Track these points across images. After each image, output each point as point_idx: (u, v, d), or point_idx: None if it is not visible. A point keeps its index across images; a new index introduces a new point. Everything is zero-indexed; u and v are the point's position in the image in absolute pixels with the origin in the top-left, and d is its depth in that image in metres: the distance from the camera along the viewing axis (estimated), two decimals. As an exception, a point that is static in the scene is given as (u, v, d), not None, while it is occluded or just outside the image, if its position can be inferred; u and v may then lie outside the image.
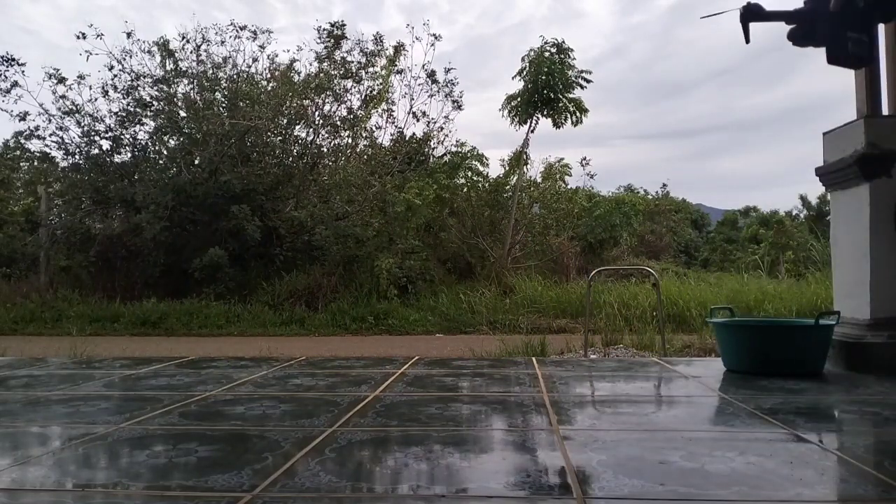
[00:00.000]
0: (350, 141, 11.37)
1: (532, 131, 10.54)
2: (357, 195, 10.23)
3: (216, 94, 10.97)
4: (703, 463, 1.16)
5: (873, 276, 2.22)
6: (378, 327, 8.17)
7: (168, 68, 10.96)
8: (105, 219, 10.68)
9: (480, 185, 11.30)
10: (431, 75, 11.06)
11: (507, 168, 11.20)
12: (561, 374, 2.12)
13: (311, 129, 11.18)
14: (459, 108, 11.20)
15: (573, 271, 10.75)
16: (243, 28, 11.07)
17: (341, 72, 10.95)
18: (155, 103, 10.80)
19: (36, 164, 11.51)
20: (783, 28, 1.59)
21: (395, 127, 11.45)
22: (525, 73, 10.14)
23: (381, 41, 11.11)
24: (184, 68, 11.01)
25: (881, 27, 2.37)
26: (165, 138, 11.13)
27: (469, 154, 11.31)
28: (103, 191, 10.42)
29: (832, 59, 1.04)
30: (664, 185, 19.32)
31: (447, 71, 11.23)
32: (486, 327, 8.04)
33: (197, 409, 1.61)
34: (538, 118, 10.35)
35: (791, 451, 1.21)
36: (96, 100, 10.77)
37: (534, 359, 2.69)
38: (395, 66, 11.23)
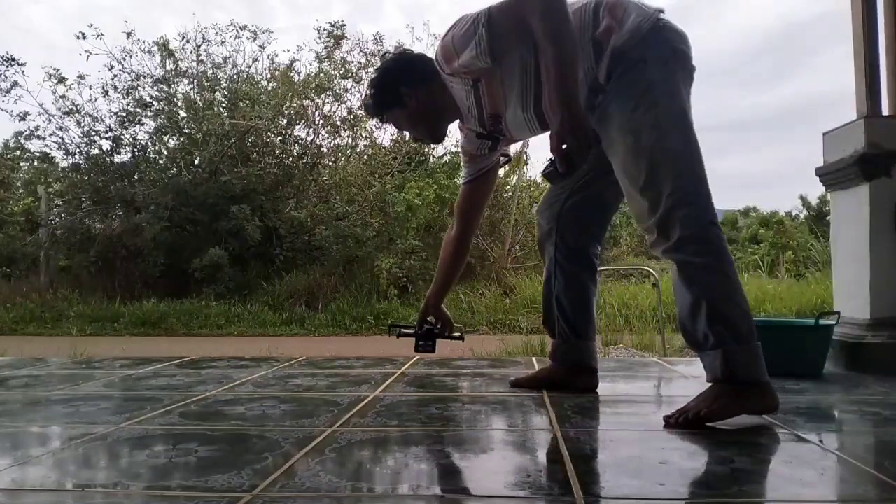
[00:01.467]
0: (350, 141, 11.37)
1: (532, 131, 10.54)
2: (357, 195, 10.23)
3: (216, 94, 10.98)
4: (704, 463, 1.16)
5: (873, 276, 2.22)
6: (378, 327, 8.18)
7: (168, 68, 10.97)
8: (105, 219, 10.69)
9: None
10: (432, 75, 11.05)
11: (507, 168, 11.20)
12: (561, 374, 2.12)
13: (311, 129, 11.18)
14: (460, 108, 11.19)
15: (573, 271, 10.73)
16: (243, 28, 11.09)
17: (341, 72, 10.95)
18: (155, 103, 10.82)
19: (36, 164, 11.53)
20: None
21: (396, 127, 11.44)
22: (525, 73, 10.14)
23: (382, 41, 11.12)
24: (184, 68, 11.03)
25: (881, 25, 2.38)
26: (165, 138, 11.14)
27: (469, 154, 11.29)
28: (103, 191, 10.43)
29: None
30: (664, 185, 19.23)
31: (447, 71, 11.23)
32: (486, 327, 8.05)
33: (197, 409, 1.61)
34: (538, 118, 10.34)
35: (791, 451, 1.21)
36: (96, 100, 10.83)
37: (534, 359, 2.69)
38: (396, 66, 11.21)
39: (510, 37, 1.49)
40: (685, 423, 1.38)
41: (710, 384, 1.44)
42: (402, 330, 2.27)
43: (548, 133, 1.51)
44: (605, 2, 1.53)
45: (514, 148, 11.02)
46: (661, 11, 1.52)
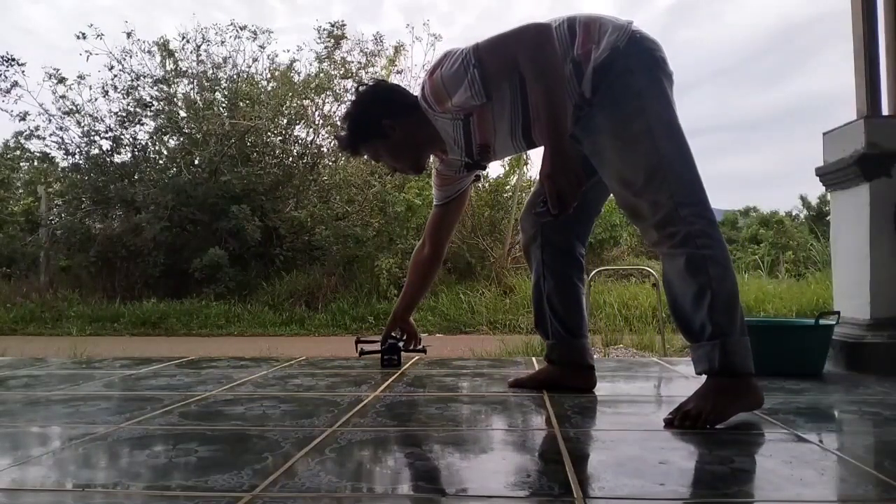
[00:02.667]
0: (350, 141, 11.34)
1: (532, 131, 10.54)
2: (357, 195, 10.22)
3: (216, 94, 10.96)
4: (704, 463, 1.16)
5: (873, 276, 2.22)
6: (378, 327, 8.15)
7: (168, 68, 10.96)
8: (105, 219, 10.68)
9: (480, 185, 11.30)
10: (432, 75, 11.03)
11: (507, 168, 11.20)
12: (561, 374, 2.12)
13: (311, 129, 11.17)
14: (460, 108, 11.17)
15: (573, 271, 10.72)
16: (243, 28, 11.08)
17: (341, 72, 10.95)
18: (155, 103, 10.80)
19: (36, 164, 11.52)
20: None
21: (396, 127, 11.42)
22: (525, 72, 10.11)
23: (381, 41, 11.12)
24: (184, 68, 11.01)
25: (881, 25, 2.38)
26: (165, 138, 11.12)
27: (469, 154, 11.28)
28: (103, 191, 10.42)
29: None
30: (664, 185, 19.17)
31: (447, 71, 11.20)
32: (486, 327, 8.05)
33: (197, 409, 1.61)
34: (538, 118, 10.33)
35: (791, 451, 1.21)
36: (96, 100, 10.80)
37: (534, 359, 2.69)
38: (396, 66, 11.22)
39: (501, 73, 1.52)
40: (690, 427, 1.38)
41: (705, 379, 1.46)
42: (365, 347, 2.41)
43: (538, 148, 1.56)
44: (578, 19, 1.56)
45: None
46: (632, 23, 1.57)
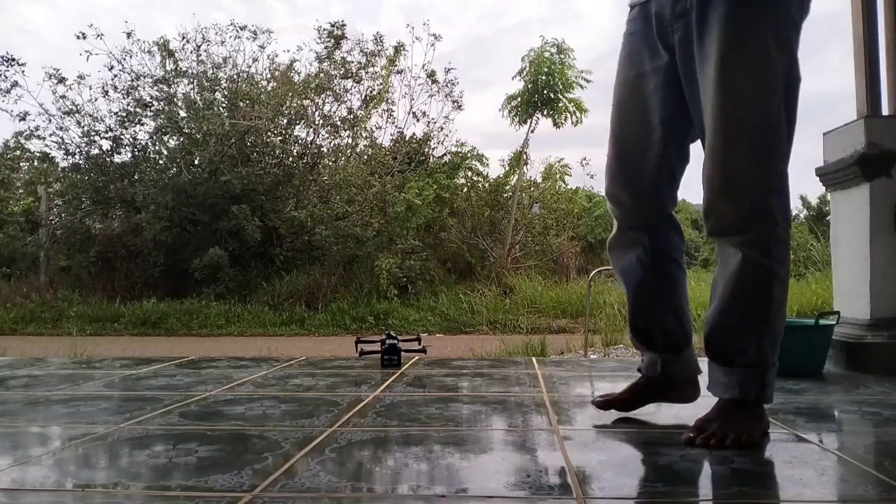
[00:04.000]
0: (350, 141, 11.36)
1: (532, 131, 10.55)
2: (357, 195, 10.22)
3: (216, 94, 10.96)
4: (704, 463, 1.16)
5: (873, 276, 2.22)
6: (378, 327, 8.15)
7: (168, 68, 10.95)
8: (105, 219, 10.68)
9: (480, 185, 11.30)
10: (431, 75, 11.04)
11: (507, 168, 11.19)
12: (561, 374, 2.13)
13: (311, 129, 11.17)
14: (459, 108, 11.18)
15: (573, 271, 10.75)
16: (243, 28, 11.07)
17: (341, 72, 10.94)
18: (155, 103, 10.80)
19: (36, 164, 11.51)
20: None
21: (395, 127, 11.44)
22: (525, 73, 10.13)
23: (381, 41, 11.10)
24: (184, 68, 11.01)
25: (881, 25, 2.38)
26: (165, 138, 11.12)
27: (469, 154, 11.30)
28: (103, 191, 10.42)
29: None
30: (664, 185, 19.13)
31: (447, 71, 11.20)
32: (486, 327, 8.05)
33: (197, 409, 1.61)
34: (538, 118, 10.34)
35: (791, 451, 1.21)
36: (96, 100, 10.77)
37: (534, 359, 2.69)
38: (395, 66, 11.21)
39: None
40: (717, 446, 1.20)
41: (720, 401, 1.29)
42: (365, 348, 2.42)
43: None
44: None
45: (514, 148, 10.59)
46: None
